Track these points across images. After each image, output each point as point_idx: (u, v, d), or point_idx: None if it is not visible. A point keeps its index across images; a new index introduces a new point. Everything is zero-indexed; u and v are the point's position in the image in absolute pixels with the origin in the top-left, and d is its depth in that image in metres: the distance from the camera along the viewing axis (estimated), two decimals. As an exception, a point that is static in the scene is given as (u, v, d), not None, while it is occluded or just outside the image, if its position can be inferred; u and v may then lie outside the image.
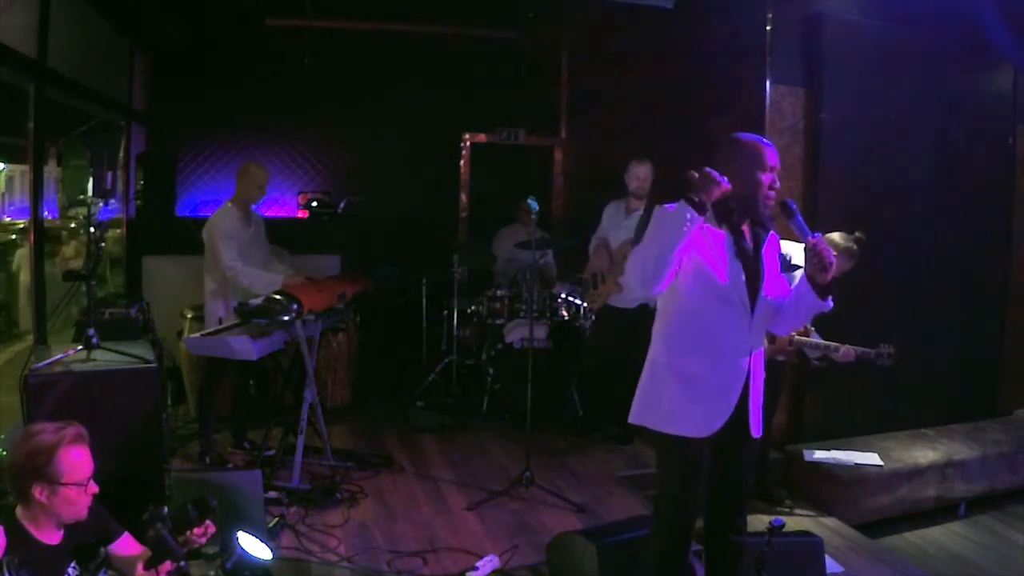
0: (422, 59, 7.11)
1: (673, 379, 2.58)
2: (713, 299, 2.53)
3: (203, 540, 2.32)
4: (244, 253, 4.46)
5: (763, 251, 2.60)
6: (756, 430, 2.62)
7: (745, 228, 2.59)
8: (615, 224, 5.05)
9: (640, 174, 4.89)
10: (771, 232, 2.64)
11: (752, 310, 2.54)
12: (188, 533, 2.25)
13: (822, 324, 3.94)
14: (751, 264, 2.55)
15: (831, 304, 2.55)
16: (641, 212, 4.91)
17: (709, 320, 2.54)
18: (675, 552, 2.65)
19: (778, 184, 2.55)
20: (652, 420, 2.62)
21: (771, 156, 2.54)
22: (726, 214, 2.54)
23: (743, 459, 2.67)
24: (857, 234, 3.90)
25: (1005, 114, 5.53)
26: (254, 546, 2.62)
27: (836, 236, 3.85)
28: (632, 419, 2.69)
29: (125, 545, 2.37)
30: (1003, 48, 5.24)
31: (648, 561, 2.75)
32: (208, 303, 4.61)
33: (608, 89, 6.67)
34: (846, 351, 3.77)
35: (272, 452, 4.39)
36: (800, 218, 2.48)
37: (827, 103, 4.78)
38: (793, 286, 2.63)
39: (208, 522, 2.33)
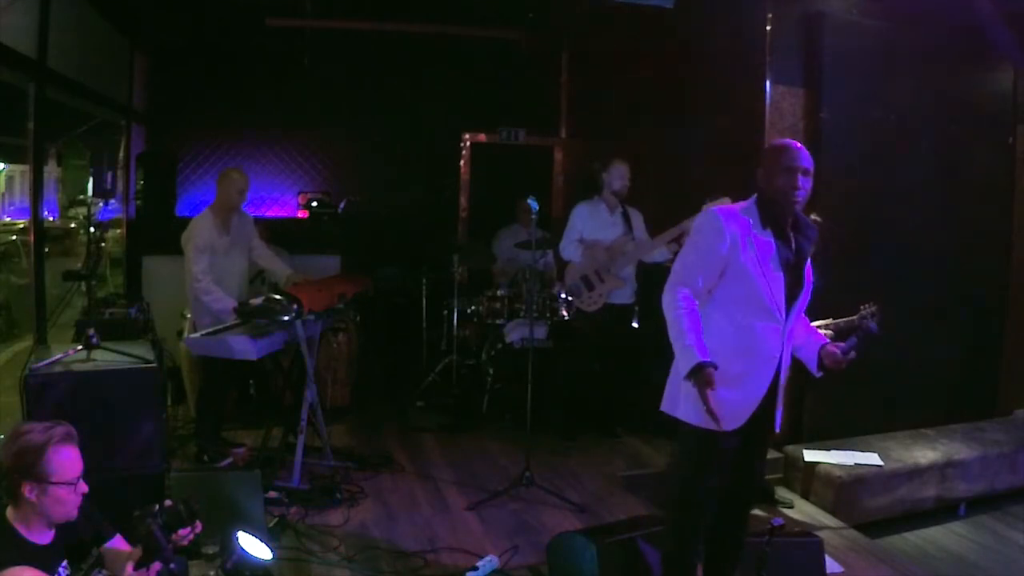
0: (422, 59, 7.11)
1: None
2: (750, 306, 2.55)
3: (189, 539, 2.30)
4: (218, 261, 4.53)
5: (805, 259, 2.63)
6: (779, 425, 2.68)
7: (791, 236, 2.61)
8: (600, 223, 5.11)
9: (626, 173, 5.06)
10: (814, 236, 2.64)
11: (786, 319, 2.58)
12: (175, 534, 2.24)
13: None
14: (791, 274, 2.58)
15: (820, 374, 2.71)
16: (621, 210, 5.12)
17: (744, 326, 2.56)
18: (686, 541, 2.67)
19: (806, 184, 2.55)
20: (681, 411, 2.64)
21: (799, 158, 2.56)
22: (771, 221, 2.58)
23: (760, 455, 2.74)
24: (813, 216, 3.90)
25: (1005, 114, 5.53)
26: (254, 546, 2.62)
27: None
28: (663, 407, 2.72)
29: (117, 546, 2.37)
30: (1003, 48, 5.24)
31: (661, 549, 2.77)
32: (188, 303, 4.68)
33: (608, 89, 6.67)
34: (827, 333, 3.80)
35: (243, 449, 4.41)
36: (854, 341, 2.63)
37: (827, 103, 4.77)
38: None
39: (197, 522, 2.32)
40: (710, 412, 2.42)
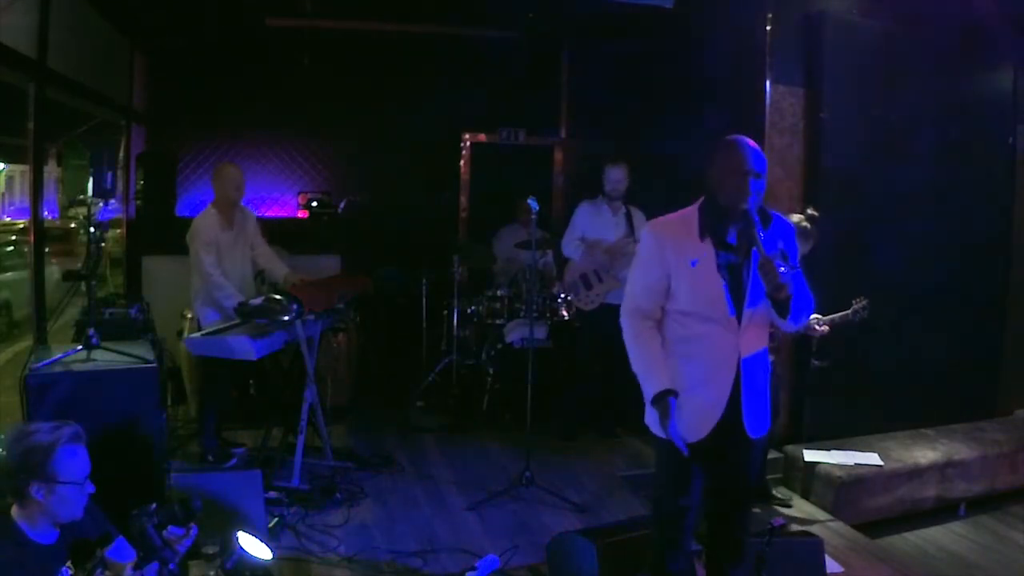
0: (422, 59, 7.10)
1: None
2: (695, 316, 2.51)
3: (186, 543, 2.30)
4: (223, 256, 4.54)
5: (753, 259, 2.49)
6: (754, 431, 2.58)
7: (734, 234, 2.52)
8: (602, 223, 5.14)
9: (614, 176, 5.06)
10: (769, 227, 2.51)
11: (739, 321, 2.50)
12: (165, 532, 2.24)
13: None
14: (736, 276, 2.50)
15: (793, 325, 2.53)
16: (624, 211, 5.13)
17: (692, 334, 2.52)
18: (667, 547, 2.65)
19: (758, 187, 2.44)
20: (653, 425, 2.61)
21: (748, 160, 2.44)
22: (712, 227, 2.50)
23: (741, 460, 2.64)
24: (809, 211, 3.93)
25: (1005, 114, 5.53)
26: (254, 546, 2.62)
27: (792, 217, 3.87)
28: (645, 420, 2.68)
29: (119, 548, 2.37)
30: (1003, 48, 5.24)
31: (649, 555, 2.77)
32: (193, 300, 4.68)
33: (608, 89, 6.67)
34: (822, 329, 3.86)
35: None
36: (760, 230, 2.40)
37: (827, 103, 4.77)
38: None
39: (192, 525, 2.32)
40: (672, 440, 2.43)
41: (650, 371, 2.52)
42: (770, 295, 2.42)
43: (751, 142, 2.51)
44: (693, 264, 2.48)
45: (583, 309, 5.17)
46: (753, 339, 2.55)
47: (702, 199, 2.58)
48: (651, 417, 2.61)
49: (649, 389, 2.49)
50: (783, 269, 2.35)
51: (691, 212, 2.57)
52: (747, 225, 2.43)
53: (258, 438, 4.64)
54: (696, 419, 2.51)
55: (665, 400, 2.44)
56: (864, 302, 3.89)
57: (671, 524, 2.65)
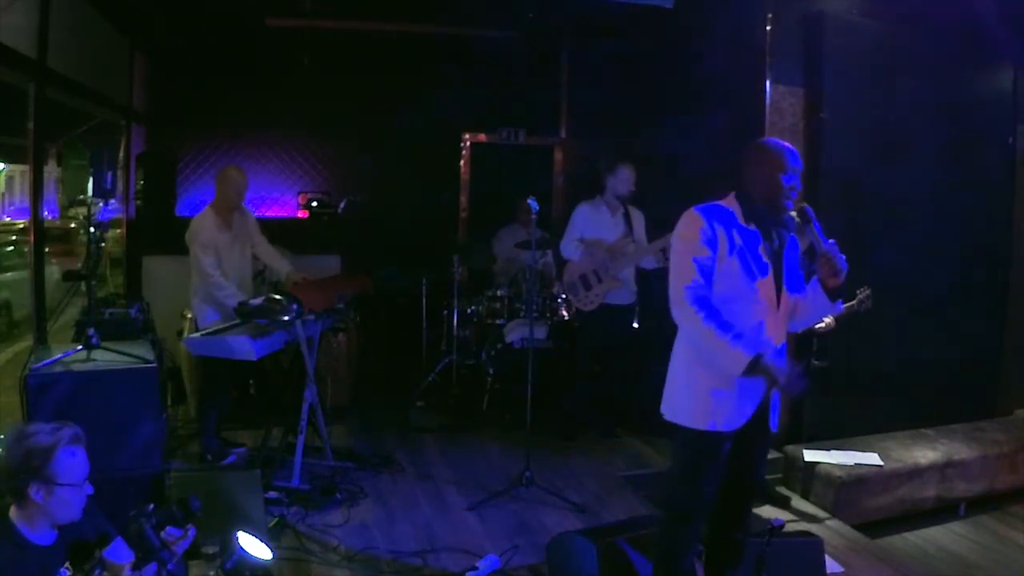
0: (422, 59, 7.11)
1: (706, 376, 2.55)
2: (744, 297, 2.55)
3: (184, 544, 2.29)
4: (222, 257, 4.53)
5: (785, 250, 2.65)
6: (774, 424, 2.66)
7: (771, 224, 2.63)
8: (601, 224, 5.13)
9: (630, 177, 5.06)
10: (791, 234, 2.68)
11: (777, 307, 2.60)
12: (163, 533, 2.24)
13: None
14: (779, 263, 2.61)
15: (841, 307, 2.69)
16: (623, 211, 5.13)
17: (740, 318, 2.54)
18: (676, 546, 2.67)
19: (799, 186, 2.60)
20: (685, 417, 2.61)
21: (792, 159, 2.59)
22: (755, 215, 2.59)
23: (756, 457, 2.73)
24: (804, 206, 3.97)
25: (1005, 114, 5.52)
26: (254, 546, 2.62)
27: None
28: (665, 416, 2.68)
29: (117, 548, 2.37)
30: (1003, 48, 5.24)
31: (655, 554, 2.77)
32: (191, 299, 4.68)
33: (608, 89, 6.67)
34: (828, 322, 3.89)
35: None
36: (817, 224, 2.55)
37: (827, 103, 4.77)
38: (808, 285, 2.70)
39: (190, 526, 2.32)
40: (786, 388, 2.47)
41: (732, 341, 2.43)
42: (824, 280, 2.55)
43: (788, 144, 2.65)
44: (749, 246, 2.55)
45: (583, 309, 5.17)
46: (783, 328, 2.67)
47: (734, 192, 2.65)
48: (682, 408, 2.62)
49: (739, 360, 2.41)
50: (843, 257, 2.51)
51: (729, 202, 2.64)
52: (804, 220, 2.59)
53: (258, 438, 4.64)
54: (742, 404, 2.55)
55: (763, 361, 2.42)
56: (868, 291, 3.94)
57: (684, 524, 2.67)
